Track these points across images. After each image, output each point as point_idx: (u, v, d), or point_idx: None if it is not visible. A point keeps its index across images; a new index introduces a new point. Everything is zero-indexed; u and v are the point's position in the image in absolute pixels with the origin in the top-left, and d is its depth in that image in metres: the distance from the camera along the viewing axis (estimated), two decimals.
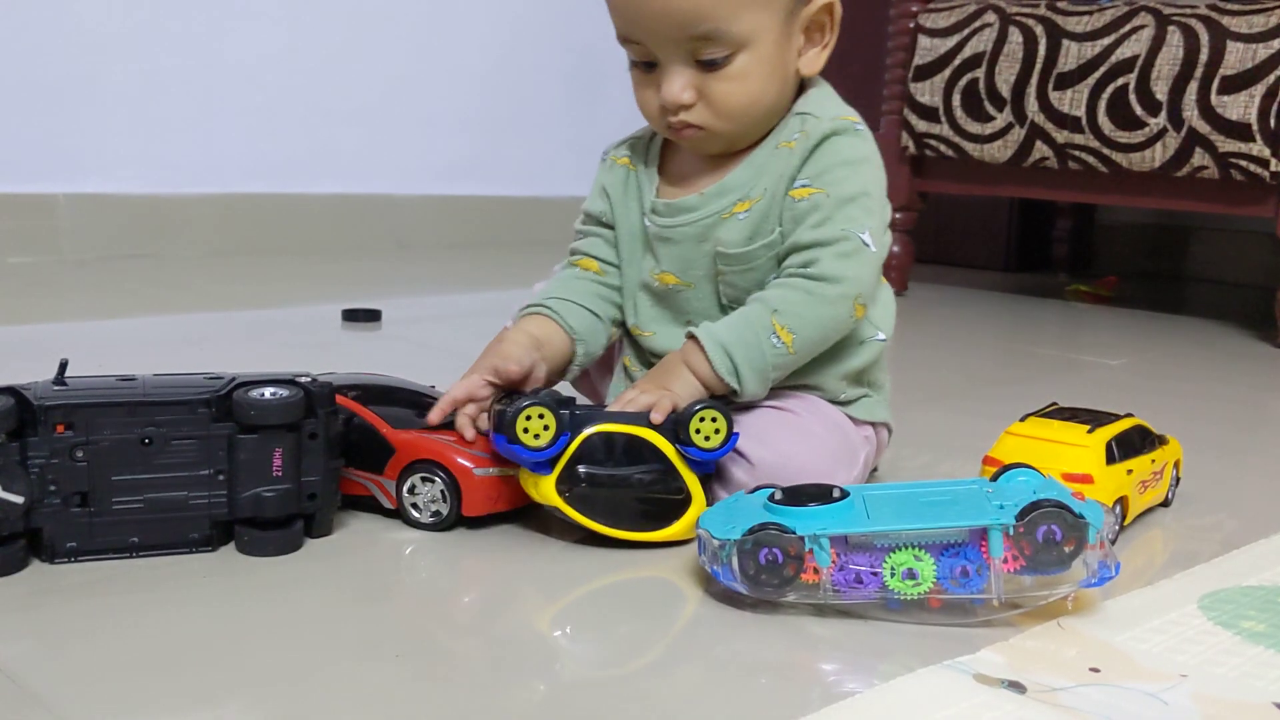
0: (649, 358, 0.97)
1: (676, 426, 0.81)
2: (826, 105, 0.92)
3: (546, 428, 0.78)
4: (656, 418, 0.82)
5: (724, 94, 0.88)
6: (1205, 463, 1.09)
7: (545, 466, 0.80)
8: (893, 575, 0.70)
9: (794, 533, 0.70)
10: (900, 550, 0.70)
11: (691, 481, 0.82)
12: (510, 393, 0.85)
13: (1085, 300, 2.50)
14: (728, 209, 0.91)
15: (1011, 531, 0.69)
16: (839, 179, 0.88)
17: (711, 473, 0.85)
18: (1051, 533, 0.69)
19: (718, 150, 0.93)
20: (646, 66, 0.89)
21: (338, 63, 2.51)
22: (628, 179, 0.99)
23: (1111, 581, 0.70)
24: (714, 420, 0.81)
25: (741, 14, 0.85)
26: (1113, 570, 0.70)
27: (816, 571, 0.70)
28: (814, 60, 0.92)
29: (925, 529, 0.70)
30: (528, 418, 0.78)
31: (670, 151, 0.98)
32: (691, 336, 0.88)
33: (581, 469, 0.80)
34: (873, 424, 0.96)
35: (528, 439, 0.78)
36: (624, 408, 0.83)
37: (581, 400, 0.99)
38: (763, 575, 0.70)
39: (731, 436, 0.82)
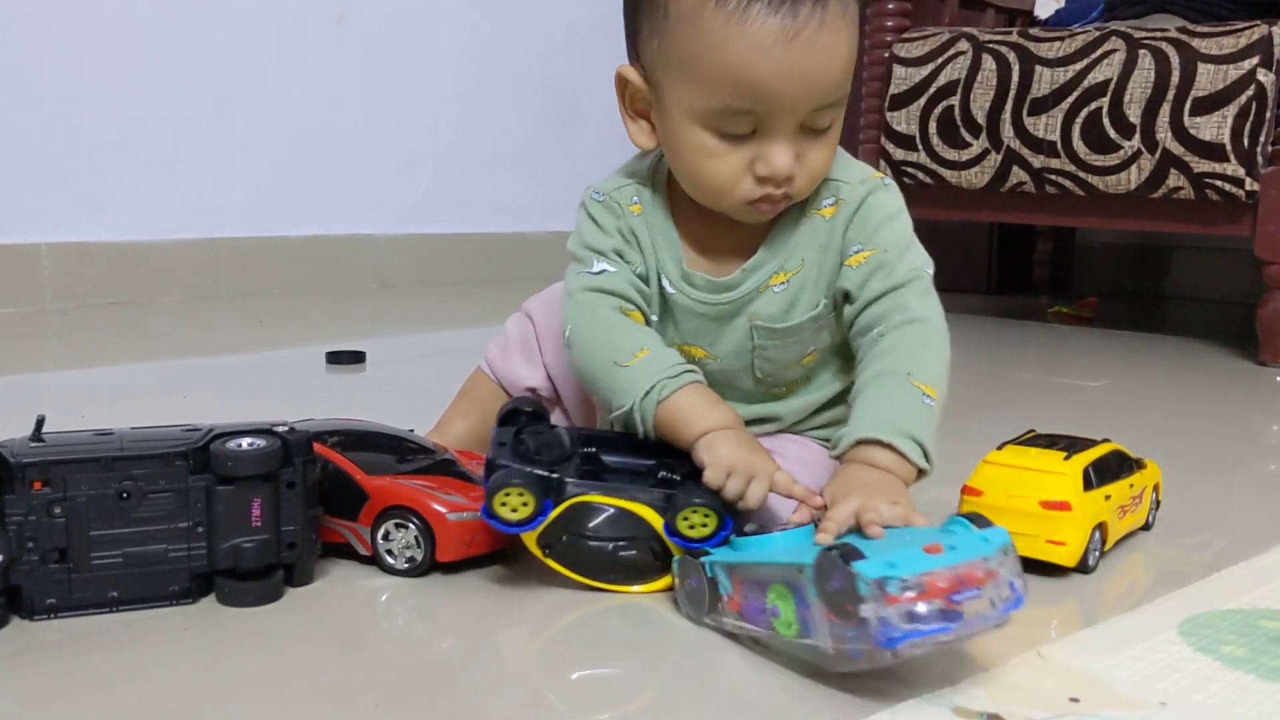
0: None
1: (666, 515, 0.78)
2: (849, 168, 0.91)
3: (526, 504, 0.77)
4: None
5: (819, 160, 0.86)
6: (1188, 483, 1.09)
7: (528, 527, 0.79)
8: (772, 613, 0.66)
9: (700, 560, 0.70)
10: (773, 587, 0.65)
11: (676, 549, 0.80)
12: (517, 412, 0.84)
13: (1067, 322, 2.51)
14: (764, 282, 0.89)
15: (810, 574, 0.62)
16: (888, 234, 0.88)
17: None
18: (833, 581, 0.61)
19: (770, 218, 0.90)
20: (737, 139, 0.84)
21: (314, 104, 2.52)
22: (646, 230, 0.92)
23: (1094, 607, 0.70)
24: (705, 515, 0.77)
25: (849, 77, 0.85)
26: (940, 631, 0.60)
27: (733, 600, 0.69)
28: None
29: (755, 562, 0.67)
30: (506, 494, 0.77)
31: (680, 214, 0.92)
32: (863, 441, 0.80)
33: (566, 532, 0.79)
34: None
35: (505, 513, 0.77)
36: (867, 528, 0.69)
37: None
38: (694, 601, 0.70)
39: (725, 526, 0.77)
